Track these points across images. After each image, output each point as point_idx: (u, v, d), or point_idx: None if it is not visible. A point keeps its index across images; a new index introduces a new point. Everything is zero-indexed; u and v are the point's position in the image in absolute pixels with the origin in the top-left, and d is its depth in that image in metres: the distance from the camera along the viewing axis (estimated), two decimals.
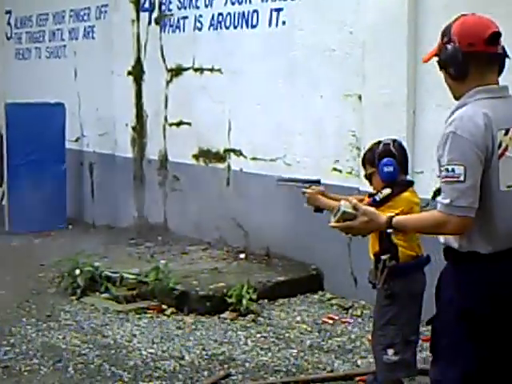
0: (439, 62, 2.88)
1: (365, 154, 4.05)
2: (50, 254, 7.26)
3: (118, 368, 4.69)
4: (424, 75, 5.46)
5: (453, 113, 2.81)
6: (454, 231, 2.73)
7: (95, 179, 9.02)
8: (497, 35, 2.78)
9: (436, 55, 2.91)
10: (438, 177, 2.80)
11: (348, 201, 2.97)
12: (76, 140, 9.20)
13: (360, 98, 5.93)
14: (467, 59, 2.77)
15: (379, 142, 3.97)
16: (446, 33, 2.83)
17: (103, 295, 6.03)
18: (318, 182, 4.19)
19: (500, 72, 2.88)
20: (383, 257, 3.88)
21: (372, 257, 4.01)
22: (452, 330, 2.83)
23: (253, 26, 6.90)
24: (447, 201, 2.69)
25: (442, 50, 2.83)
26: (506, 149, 2.74)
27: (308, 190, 4.10)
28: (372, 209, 3.04)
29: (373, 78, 5.77)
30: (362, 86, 5.88)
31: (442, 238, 2.89)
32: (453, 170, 2.67)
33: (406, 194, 3.84)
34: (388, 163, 3.82)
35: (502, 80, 2.87)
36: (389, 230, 2.95)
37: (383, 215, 2.94)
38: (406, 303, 3.94)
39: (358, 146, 5.95)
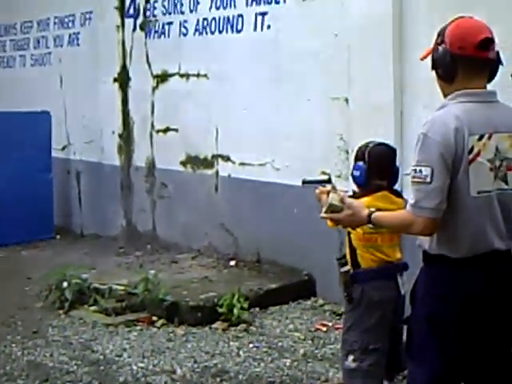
0: (431, 62, 2.86)
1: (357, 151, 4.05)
2: (38, 267, 7.12)
3: None
4: (410, 77, 5.41)
5: None
6: (420, 232, 2.75)
7: (82, 188, 8.93)
8: (488, 41, 2.76)
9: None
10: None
11: (337, 193, 3.00)
12: (62, 148, 9.10)
13: (347, 100, 5.86)
14: (456, 62, 2.76)
15: (368, 143, 3.96)
16: (440, 33, 2.83)
17: (92, 308, 5.90)
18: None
19: (491, 78, 2.85)
20: (336, 261, 3.90)
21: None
22: (419, 329, 2.85)
23: (238, 31, 6.82)
24: (413, 201, 2.72)
25: (435, 50, 2.82)
26: (478, 154, 2.71)
27: (316, 190, 4.08)
28: (358, 202, 3.07)
29: (359, 80, 5.71)
30: (348, 88, 5.81)
31: (417, 239, 2.90)
32: (420, 171, 2.69)
33: (365, 199, 3.69)
34: (356, 167, 3.87)
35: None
36: (369, 225, 2.99)
37: (366, 210, 2.95)
38: (366, 310, 3.86)
39: (346, 149, 5.89)
